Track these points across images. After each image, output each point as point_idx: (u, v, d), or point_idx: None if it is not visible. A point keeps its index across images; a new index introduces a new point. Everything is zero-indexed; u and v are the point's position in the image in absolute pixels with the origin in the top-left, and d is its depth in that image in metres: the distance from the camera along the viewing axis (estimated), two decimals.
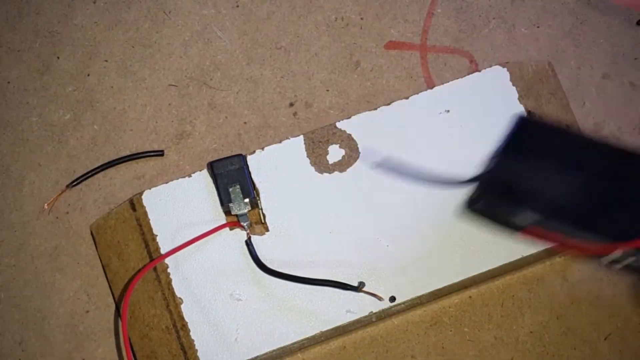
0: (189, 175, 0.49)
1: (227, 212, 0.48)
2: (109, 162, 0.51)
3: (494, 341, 0.49)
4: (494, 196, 0.44)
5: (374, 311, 0.47)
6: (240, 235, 0.48)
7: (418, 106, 0.50)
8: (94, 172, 0.51)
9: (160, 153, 0.52)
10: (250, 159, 0.49)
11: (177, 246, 0.47)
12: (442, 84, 0.51)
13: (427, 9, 0.54)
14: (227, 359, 0.46)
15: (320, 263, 0.47)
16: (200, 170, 0.49)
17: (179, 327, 0.47)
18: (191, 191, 0.49)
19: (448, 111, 0.50)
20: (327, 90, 0.53)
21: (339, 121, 0.50)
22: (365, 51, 0.54)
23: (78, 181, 0.51)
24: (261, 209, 0.48)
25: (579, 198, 0.44)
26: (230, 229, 0.48)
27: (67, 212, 0.51)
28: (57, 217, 0.51)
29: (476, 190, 0.45)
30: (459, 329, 0.49)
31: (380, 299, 0.47)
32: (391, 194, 0.48)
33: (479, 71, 0.51)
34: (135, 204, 0.49)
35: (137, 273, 0.45)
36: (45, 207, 0.51)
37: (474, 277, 0.48)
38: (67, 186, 0.51)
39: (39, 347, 0.49)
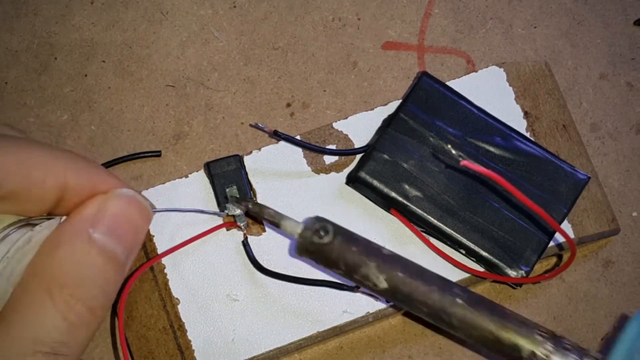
0: (186, 176, 0.49)
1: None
2: (106, 163, 0.52)
3: None
4: (370, 172, 0.47)
5: (371, 311, 0.47)
6: (237, 235, 0.48)
7: None
8: None
9: (157, 153, 0.52)
10: (247, 160, 0.49)
11: (173, 246, 0.47)
12: None
13: (425, 10, 0.54)
14: (224, 359, 0.46)
15: None
16: (197, 171, 0.49)
17: (176, 328, 0.47)
18: (188, 192, 0.49)
19: None
20: (324, 91, 0.53)
21: (335, 121, 0.50)
22: (362, 52, 0.54)
23: None
24: None
25: (445, 189, 0.46)
26: (227, 230, 0.48)
27: None
28: None
29: (357, 164, 0.48)
30: None
31: (377, 299, 0.47)
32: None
33: (476, 71, 0.51)
34: None
35: (133, 273, 0.45)
36: None
37: (471, 277, 0.48)
38: None
39: None
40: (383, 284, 0.39)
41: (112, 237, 0.36)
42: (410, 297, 0.39)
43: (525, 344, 0.38)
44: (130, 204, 0.38)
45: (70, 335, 0.34)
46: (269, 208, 0.42)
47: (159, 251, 0.47)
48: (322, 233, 0.39)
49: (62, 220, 0.37)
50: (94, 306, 0.35)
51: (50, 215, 0.37)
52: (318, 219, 0.40)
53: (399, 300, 0.40)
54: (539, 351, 0.38)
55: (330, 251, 0.39)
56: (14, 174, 0.35)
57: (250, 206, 0.43)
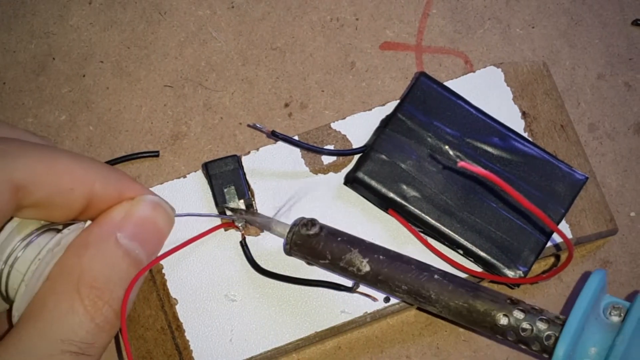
0: (184, 176, 0.49)
1: (222, 213, 0.48)
2: (104, 163, 0.52)
3: (489, 341, 0.49)
4: (368, 172, 0.47)
5: (369, 312, 0.47)
6: (235, 236, 0.48)
7: None
8: None
9: (155, 154, 0.52)
10: (245, 160, 0.49)
11: (172, 248, 0.47)
12: None
13: (423, 10, 0.54)
14: (222, 359, 0.47)
15: None
16: (195, 171, 0.49)
17: (174, 328, 0.47)
18: (186, 192, 0.49)
19: None
20: (322, 91, 0.53)
21: (333, 122, 0.50)
22: (360, 52, 0.54)
23: None
24: (256, 210, 0.48)
25: (442, 188, 0.46)
26: (225, 230, 0.48)
27: None
28: None
29: (355, 165, 0.48)
30: (453, 329, 0.49)
31: (374, 299, 0.47)
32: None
33: (474, 72, 0.51)
34: None
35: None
36: None
37: (468, 277, 0.48)
38: None
39: None
40: (366, 267, 0.43)
41: (136, 242, 0.37)
42: (391, 277, 0.43)
43: (498, 310, 0.41)
44: (155, 210, 0.38)
45: (96, 336, 0.34)
46: (260, 215, 0.46)
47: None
48: (310, 225, 0.44)
49: (86, 224, 0.37)
50: (118, 309, 0.35)
51: (73, 221, 0.37)
52: (305, 218, 0.45)
53: (381, 282, 0.43)
54: (512, 315, 0.40)
55: (317, 242, 0.44)
56: (43, 182, 0.35)
57: (243, 215, 0.47)
